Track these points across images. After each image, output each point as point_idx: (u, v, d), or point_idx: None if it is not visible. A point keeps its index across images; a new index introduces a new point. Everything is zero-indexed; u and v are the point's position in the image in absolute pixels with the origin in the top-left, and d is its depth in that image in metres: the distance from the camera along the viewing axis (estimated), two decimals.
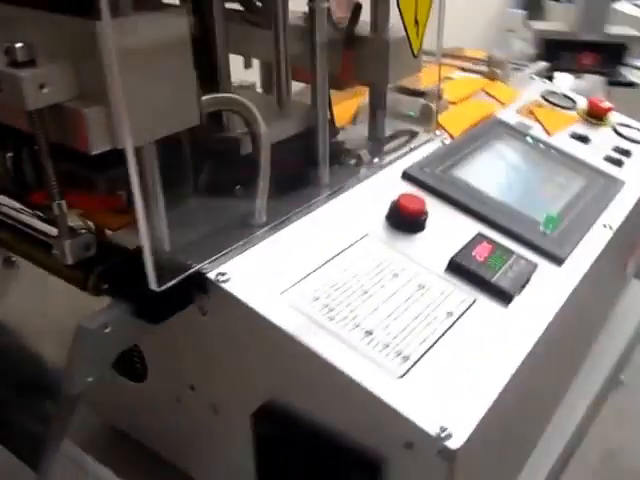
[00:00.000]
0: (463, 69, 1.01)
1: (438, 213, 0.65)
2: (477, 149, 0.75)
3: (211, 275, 0.52)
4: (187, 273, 0.52)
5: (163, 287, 0.49)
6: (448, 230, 0.63)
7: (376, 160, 0.70)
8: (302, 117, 0.63)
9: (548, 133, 0.84)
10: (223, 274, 0.52)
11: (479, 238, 0.61)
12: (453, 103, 0.86)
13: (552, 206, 0.69)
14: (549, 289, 0.60)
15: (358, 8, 0.67)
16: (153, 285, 0.49)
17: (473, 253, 0.59)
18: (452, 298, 0.55)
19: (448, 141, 0.76)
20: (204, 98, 0.52)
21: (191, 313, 0.54)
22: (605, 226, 0.70)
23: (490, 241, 0.61)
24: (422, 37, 0.68)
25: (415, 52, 0.68)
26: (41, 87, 0.44)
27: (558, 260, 0.63)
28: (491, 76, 0.96)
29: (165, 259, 0.51)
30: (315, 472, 0.52)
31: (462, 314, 0.54)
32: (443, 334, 0.52)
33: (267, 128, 0.57)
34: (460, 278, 0.57)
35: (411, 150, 0.73)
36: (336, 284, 0.54)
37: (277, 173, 0.63)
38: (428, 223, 0.63)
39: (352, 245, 0.58)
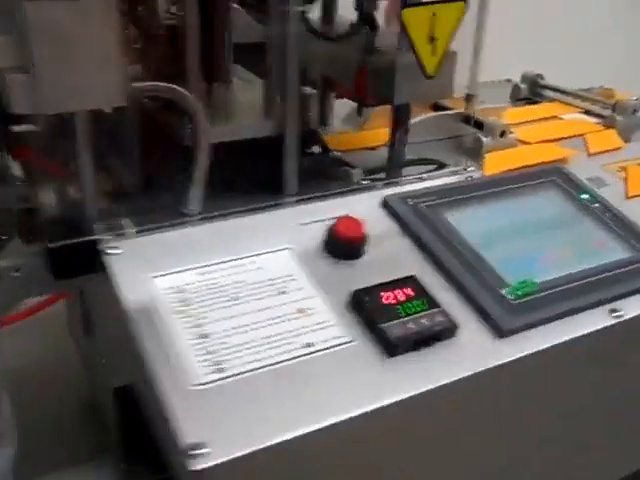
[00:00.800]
0: (588, 112, 0.88)
1: (393, 247, 0.59)
2: (497, 194, 0.66)
3: (102, 246, 0.55)
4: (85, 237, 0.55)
5: (52, 244, 0.54)
6: (389, 266, 0.57)
7: (366, 182, 0.66)
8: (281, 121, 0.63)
9: (626, 195, 0.70)
10: (115, 248, 0.55)
11: (408, 281, 0.55)
12: (527, 143, 0.76)
13: (546, 273, 0.58)
14: (461, 359, 0.51)
15: (369, 20, 0.64)
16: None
17: (383, 294, 0.53)
18: (327, 331, 0.51)
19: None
20: (140, 84, 0.55)
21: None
22: (612, 312, 0.57)
23: (418, 287, 0.54)
24: (441, 56, 0.62)
25: (429, 73, 0.63)
26: None
27: (499, 331, 0.53)
28: (609, 123, 0.82)
29: (77, 223, 0.56)
30: None
31: (325, 349, 0.50)
32: (284, 361, 0.48)
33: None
34: (356, 315, 0.52)
35: (421, 180, 0.68)
36: (212, 284, 0.53)
37: (247, 172, 0.65)
38: (374, 254, 0.58)
39: (262, 254, 0.56)
